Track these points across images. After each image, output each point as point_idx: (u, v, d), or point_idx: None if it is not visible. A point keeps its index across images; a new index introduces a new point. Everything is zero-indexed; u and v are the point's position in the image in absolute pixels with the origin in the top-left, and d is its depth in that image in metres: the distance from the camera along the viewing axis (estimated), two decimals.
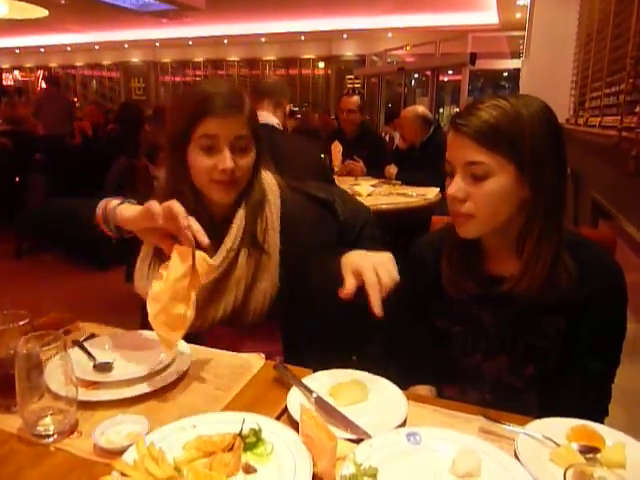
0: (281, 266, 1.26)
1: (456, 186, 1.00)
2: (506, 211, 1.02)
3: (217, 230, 1.25)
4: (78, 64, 18.17)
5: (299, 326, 1.25)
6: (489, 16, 10.17)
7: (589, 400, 1.03)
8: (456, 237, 1.11)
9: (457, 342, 1.17)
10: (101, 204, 1.14)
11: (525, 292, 1.03)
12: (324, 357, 1.09)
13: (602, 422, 1.01)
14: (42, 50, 17.28)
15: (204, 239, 1.00)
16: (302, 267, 1.25)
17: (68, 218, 1.24)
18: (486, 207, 1.00)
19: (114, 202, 1.13)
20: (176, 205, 0.99)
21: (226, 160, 1.16)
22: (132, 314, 1.30)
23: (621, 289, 1.04)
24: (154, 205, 1.00)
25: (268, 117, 2.51)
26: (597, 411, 1.03)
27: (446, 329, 1.18)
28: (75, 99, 16.33)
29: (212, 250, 1.24)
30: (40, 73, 17.71)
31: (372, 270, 0.97)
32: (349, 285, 0.97)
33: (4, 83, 17.68)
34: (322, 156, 3.48)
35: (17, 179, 4.65)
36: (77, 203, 1.23)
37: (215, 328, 1.24)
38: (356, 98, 4.14)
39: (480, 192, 0.99)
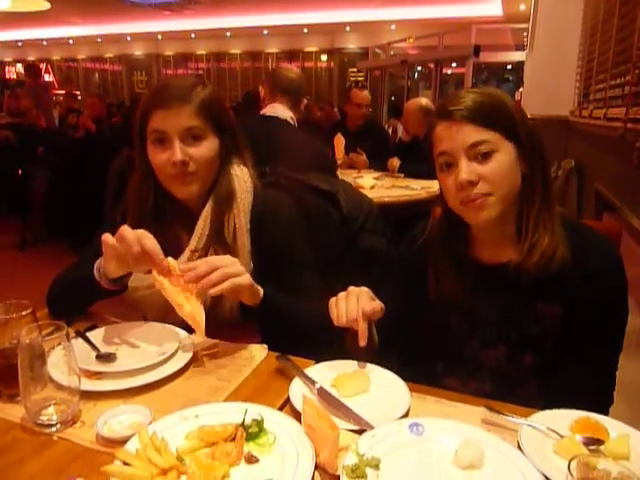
0: (253, 265, 1.24)
1: (466, 169, 0.99)
2: (516, 185, 1.03)
3: (193, 220, 1.24)
4: (80, 57, 18.15)
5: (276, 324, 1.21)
6: (493, 8, 10.10)
7: (592, 388, 1.02)
8: (441, 243, 1.12)
9: (455, 329, 1.16)
10: (95, 267, 1.14)
11: (528, 273, 1.02)
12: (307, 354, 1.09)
13: (607, 410, 1.01)
14: (44, 43, 17.26)
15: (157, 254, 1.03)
16: (277, 266, 1.23)
17: (76, 290, 1.23)
18: (500, 182, 1.00)
19: (101, 260, 1.13)
20: (126, 231, 1.02)
21: (175, 152, 1.15)
22: (135, 308, 1.29)
23: (619, 273, 1.03)
24: (108, 238, 1.04)
25: (281, 110, 2.47)
26: (601, 399, 1.02)
27: (443, 316, 1.18)
28: (77, 92, 16.34)
29: (187, 233, 1.25)
30: (43, 66, 17.68)
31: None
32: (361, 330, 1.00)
33: (7, 76, 17.66)
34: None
35: (20, 172, 4.64)
36: (78, 274, 1.21)
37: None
38: (367, 93, 4.13)
39: (490, 169, 0.99)
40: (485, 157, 0.99)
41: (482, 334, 1.13)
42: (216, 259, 1.08)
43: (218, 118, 1.21)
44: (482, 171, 0.99)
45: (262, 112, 2.48)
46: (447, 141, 1.01)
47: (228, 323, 1.22)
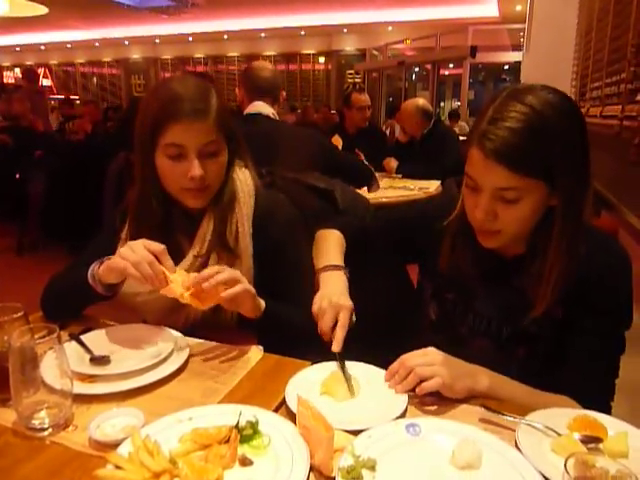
0: (255, 268, 1.23)
1: (484, 209, 0.96)
2: (533, 222, 1.00)
3: (193, 225, 1.23)
4: (79, 61, 18.18)
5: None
6: (489, 9, 10.13)
7: (584, 393, 0.98)
8: (463, 228, 1.09)
9: (447, 309, 1.17)
10: (89, 272, 1.13)
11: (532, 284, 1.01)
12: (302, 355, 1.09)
13: (605, 406, 1.00)
14: (42, 47, 17.29)
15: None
16: (276, 269, 1.23)
17: (69, 292, 1.23)
18: (515, 225, 0.98)
19: (95, 266, 1.13)
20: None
21: (194, 168, 1.12)
22: (132, 310, 1.28)
23: (625, 273, 1.01)
24: (130, 269, 1.03)
25: (263, 107, 2.46)
26: (595, 406, 0.96)
27: (439, 293, 1.19)
28: (76, 96, 16.38)
29: (189, 237, 1.24)
30: (41, 70, 17.69)
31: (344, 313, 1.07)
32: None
33: (5, 81, 17.67)
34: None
35: (17, 175, 4.63)
36: (71, 278, 1.21)
37: (196, 328, 1.21)
38: (366, 95, 4.11)
39: (510, 214, 0.96)
40: (508, 202, 0.95)
41: (472, 321, 1.13)
42: (214, 269, 1.05)
43: (228, 126, 1.19)
44: (500, 212, 0.96)
45: (246, 112, 2.47)
46: (476, 172, 0.96)
47: (226, 326, 1.21)
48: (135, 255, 1.03)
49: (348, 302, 1.10)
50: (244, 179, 1.26)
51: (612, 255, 1.03)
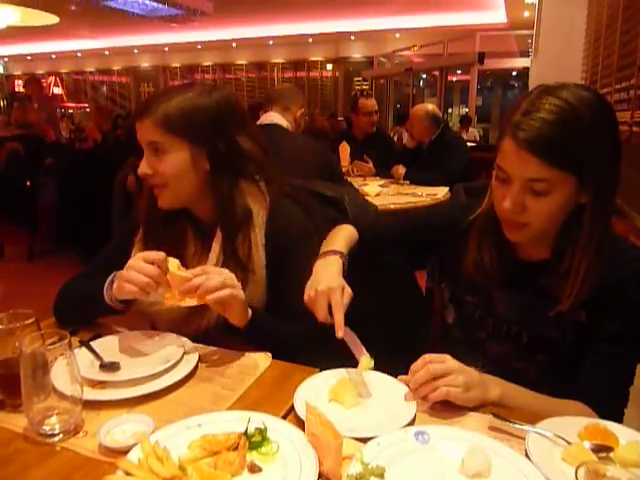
0: (268, 279, 1.23)
1: (514, 200, 0.96)
2: (562, 218, 1.00)
3: (205, 232, 1.25)
4: (89, 70, 18.38)
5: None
6: (497, 15, 10.12)
7: (599, 399, 0.98)
8: (489, 225, 1.09)
9: (466, 312, 1.17)
10: (105, 287, 1.15)
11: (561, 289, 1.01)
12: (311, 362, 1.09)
13: (618, 412, 0.99)
14: (53, 56, 17.49)
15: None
16: (286, 279, 1.23)
17: (84, 303, 1.24)
18: (543, 219, 0.98)
19: (110, 283, 1.15)
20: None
21: (141, 164, 1.18)
22: (142, 316, 1.29)
23: None
24: (141, 295, 1.06)
25: (276, 118, 2.55)
26: (608, 412, 0.96)
27: (459, 296, 1.19)
28: (86, 104, 16.57)
29: (204, 251, 1.25)
30: (52, 79, 17.92)
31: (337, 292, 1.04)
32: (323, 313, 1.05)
33: (16, 89, 17.89)
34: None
35: (28, 183, 4.68)
36: (85, 290, 1.22)
37: (210, 335, 1.21)
38: (374, 100, 4.14)
39: (539, 206, 0.96)
40: (538, 195, 0.95)
41: (492, 325, 1.13)
42: (212, 270, 1.06)
43: (198, 129, 1.16)
44: (529, 204, 0.96)
45: (258, 122, 2.58)
46: (508, 162, 0.97)
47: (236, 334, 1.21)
48: (139, 277, 1.04)
49: (335, 282, 1.07)
50: (255, 190, 1.26)
51: (637, 262, 1.02)
